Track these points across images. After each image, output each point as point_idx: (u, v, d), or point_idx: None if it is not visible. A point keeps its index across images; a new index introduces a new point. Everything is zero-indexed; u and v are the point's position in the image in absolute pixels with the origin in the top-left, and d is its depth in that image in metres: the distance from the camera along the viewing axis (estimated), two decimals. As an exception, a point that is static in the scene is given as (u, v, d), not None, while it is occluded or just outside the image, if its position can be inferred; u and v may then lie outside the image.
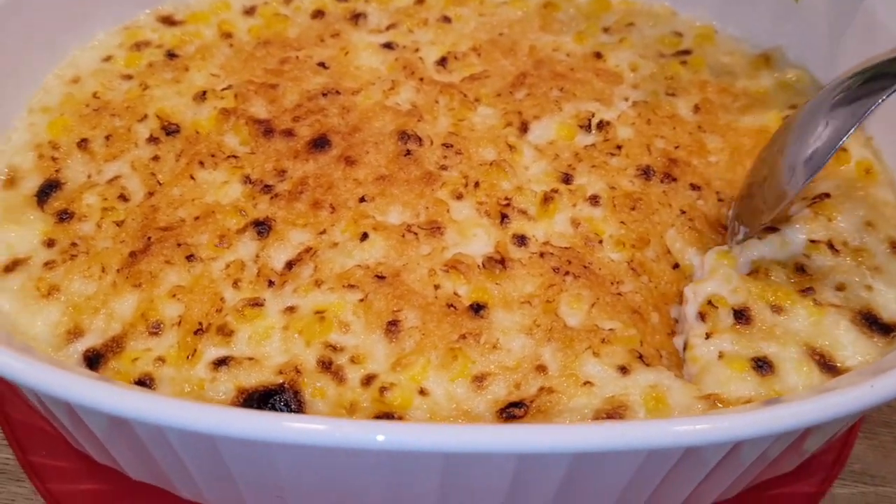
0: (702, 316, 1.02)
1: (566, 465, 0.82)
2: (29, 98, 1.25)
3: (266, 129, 1.19)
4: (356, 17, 1.39)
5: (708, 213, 1.14)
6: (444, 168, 1.16)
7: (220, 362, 0.96)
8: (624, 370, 0.95)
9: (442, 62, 1.32)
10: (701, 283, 1.05)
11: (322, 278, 1.03)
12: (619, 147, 1.19)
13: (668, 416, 0.92)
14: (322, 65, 1.30)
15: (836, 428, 0.97)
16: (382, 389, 0.93)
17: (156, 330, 0.99)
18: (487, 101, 1.26)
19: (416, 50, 1.34)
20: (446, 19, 1.40)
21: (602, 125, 1.22)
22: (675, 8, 1.43)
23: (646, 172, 1.16)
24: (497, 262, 1.04)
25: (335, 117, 1.20)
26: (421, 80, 1.28)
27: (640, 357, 0.97)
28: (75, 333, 1.00)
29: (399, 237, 1.07)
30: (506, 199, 1.12)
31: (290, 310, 1.00)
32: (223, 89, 1.24)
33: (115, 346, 0.98)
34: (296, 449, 0.81)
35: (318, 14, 1.41)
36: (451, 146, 1.18)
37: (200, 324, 0.99)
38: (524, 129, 1.22)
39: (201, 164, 1.15)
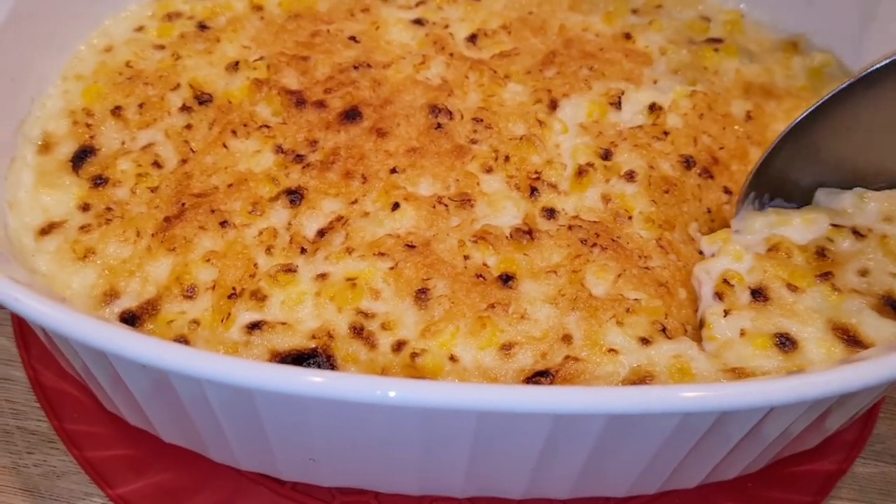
0: (719, 295, 1.02)
1: (597, 430, 0.83)
2: (63, 66, 1.26)
3: (298, 100, 1.20)
4: (386, -7, 1.40)
5: (728, 220, 1.14)
6: (474, 142, 1.17)
7: (254, 326, 0.97)
8: (646, 342, 0.96)
9: (472, 39, 1.33)
10: (712, 260, 1.06)
11: (353, 246, 1.04)
12: (665, 133, 1.19)
13: (697, 385, 0.93)
14: (353, 39, 1.31)
15: (861, 403, 0.98)
16: (413, 355, 0.94)
17: (190, 293, 1.01)
18: (517, 78, 1.27)
19: (446, 26, 1.34)
20: (475, -3, 1.41)
21: (654, 108, 1.22)
22: (703, -10, 1.44)
23: (687, 162, 1.16)
24: (525, 234, 1.05)
25: (366, 90, 1.21)
26: (451, 55, 1.29)
27: (664, 330, 0.98)
28: (111, 295, 1.01)
29: (430, 208, 1.08)
30: (535, 172, 1.13)
31: (322, 276, 1.02)
32: (255, 60, 1.25)
33: (150, 308, 1.00)
34: (329, 407, 0.83)
35: (348, -12, 1.42)
36: (482, 121, 1.19)
37: (234, 288, 1.01)
38: (553, 106, 1.23)
39: (234, 133, 1.16)
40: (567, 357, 0.95)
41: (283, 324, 0.98)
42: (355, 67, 1.25)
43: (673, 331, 0.98)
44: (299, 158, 1.14)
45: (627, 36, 1.35)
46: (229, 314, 0.98)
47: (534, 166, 1.14)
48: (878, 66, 1.03)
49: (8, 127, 1.15)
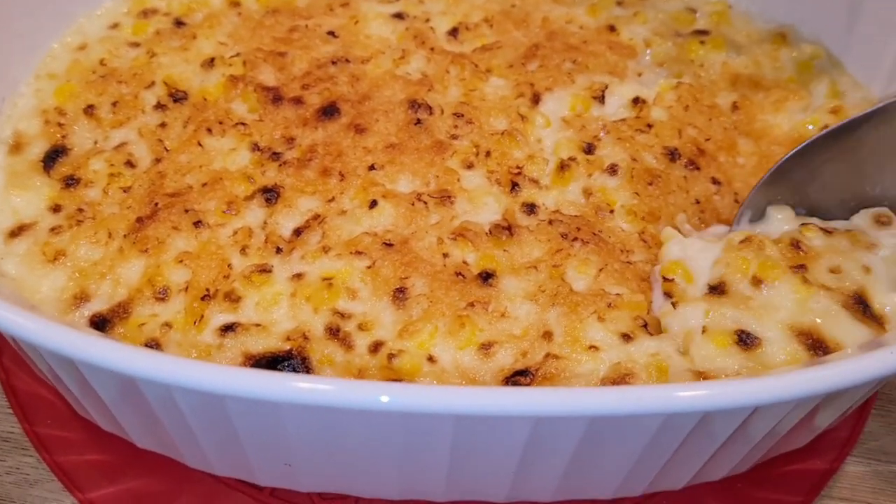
0: (666, 292, 0.99)
1: (579, 432, 0.81)
2: (36, 64, 1.24)
3: (275, 97, 1.17)
4: (365, -13, 1.38)
5: (720, 210, 1.12)
6: (454, 137, 1.14)
7: (227, 328, 0.95)
8: (627, 338, 0.94)
9: (453, 33, 1.30)
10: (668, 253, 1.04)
11: (330, 245, 1.01)
12: (649, 126, 1.17)
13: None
14: (331, 34, 1.29)
15: (850, 401, 0.96)
16: (391, 356, 0.92)
17: (162, 295, 0.98)
18: (499, 71, 1.24)
19: (427, 20, 1.32)
20: (457, -10, 1.38)
21: (638, 102, 1.20)
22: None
23: (672, 154, 1.14)
24: (504, 229, 1.03)
25: (344, 85, 1.19)
26: (432, 49, 1.26)
27: (645, 325, 0.95)
28: (81, 298, 0.99)
29: (409, 205, 1.05)
30: (517, 167, 1.11)
31: (298, 276, 0.99)
32: (231, 57, 1.23)
33: (121, 311, 0.98)
34: (304, 412, 0.80)
35: (327, -17, 1.39)
36: (462, 116, 1.16)
37: (207, 290, 0.98)
38: (536, 100, 1.20)
39: (209, 130, 1.14)
40: (547, 355, 0.93)
41: (258, 325, 0.95)
42: (333, 63, 1.22)
43: (655, 326, 0.96)
44: (276, 156, 1.12)
45: (612, 28, 1.32)
46: (202, 316, 0.96)
47: (515, 161, 1.12)
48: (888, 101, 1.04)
49: (-22, 127, 1.13)
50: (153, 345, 0.94)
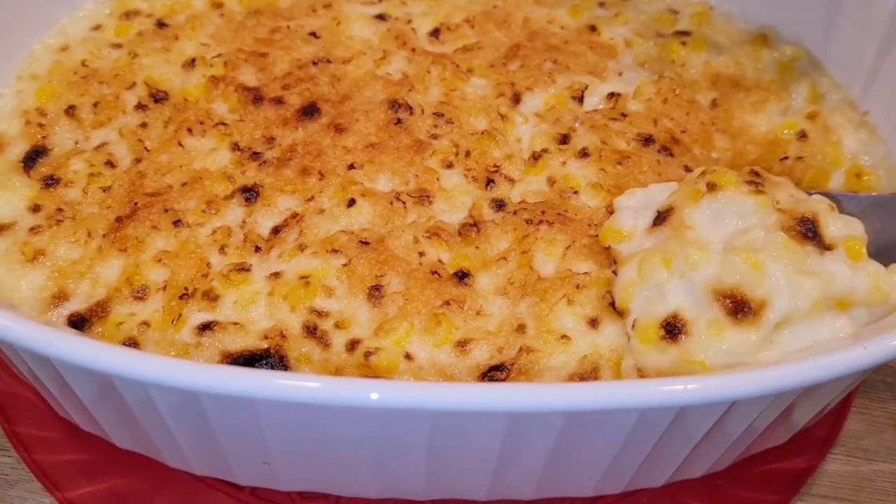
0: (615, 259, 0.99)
1: (555, 428, 0.81)
2: (17, 65, 1.23)
3: (255, 97, 1.17)
4: (349, -11, 1.38)
5: None
6: (434, 137, 1.14)
7: (205, 327, 0.95)
8: (594, 322, 0.94)
9: (435, 33, 1.31)
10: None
11: (306, 243, 1.01)
12: (624, 115, 1.17)
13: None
14: (313, 34, 1.29)
15: (827, 397, 0.96)
16: (367, 354, 0.92)
17: (141, 294, 0.98)
18: (480, 72, 1.25)
19: (409, 21, 1.32)
20: (440, -9, 1.39)
21: (613, 96, 1.20)
22: (670, -17, 1.42)
23: (646, 140, 1.14)
24: (472, 227, 1.04)
25: (325, 86, 1.19)
26: (413, 50, 1.27)
27: (612, 304, 0.96)
28: (60, 297, 0.98)
29: (387, 204, 1.05)
30: (495, 166, 1.11)
31: (276, 275, 0.99)
32: (213, 57, 1.23)
33: (99, 310, 0.97)
34: (282, 410, 0.80)
35: (310, -15, 1.39)
36: (443, 115, 1.17)
37: (186, 289, 0.98)
38: (517, 100, 1.21)
39: (189, 131, 1.14)
40: (521, 349, 0.93)
41: (236, 324, 0.95)
42: (314, 63, 1.23)
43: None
44: (256, 156, 1.12)
45: (592, 28, 1.33)
46: (180, 315, 0.96)
47: (494, 161, 1.12)
48: None
49: (-41, 128, 1.13)
50: (131, 343, 0.94)
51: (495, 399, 0.75)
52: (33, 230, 1.04)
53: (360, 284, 0.97)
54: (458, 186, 1.09)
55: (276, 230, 1.04)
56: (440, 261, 1.01)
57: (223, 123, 1.15)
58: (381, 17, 1.33)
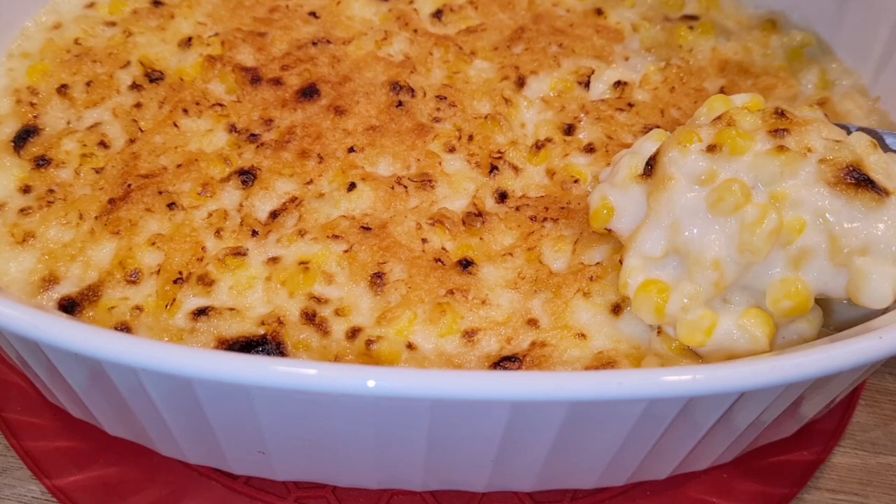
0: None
1: (558, 418, 0.79)
2: (8, 43, 1.20)
3: (253, 78, 1.14)
4: (349, -32, 1.35)
5: None
6: (437, 120, 1.12)
7: (200, 312, 0.92)
8: (617, 309, 0.92)
9: (437, 15, 1.28)
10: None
11: (306, 228, 0.99)
12: (630, 105, 1.15)
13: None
14: (313, 14, 1.26)
15: (837, 389, 0.94)
16: (369, 343, 0.90)
17: (134, 278, 0.95)
18: (483, 54, 1.22)
19: (411, 2, 1.29)
20: (442, -28, 1.36)
21: (619, 85, 1.18)
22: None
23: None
24: (476, 216, 1.01)
25: (325, 66, 1.16)
26: (415, 31, 1.24)
27: None
28: (50, 281, 0.96)
29: (388, 189, 1.03)
30: (499, 152, 1.08)
31: (274, 260, 0.97)
32: (210, 37, 1.20)
33: (91, 294, 0.95)
34: (276, 398, 0.78)
35: (310, -36, 1.36)
36: (445, 98, 1.14)
37: (180, 273, 0.95)
38: (521, 83, 1.18)
39: (185, 111, 1.11)
40: (534, 342, 0.91)
41: (232, 309, 0.93)
42: (314, 43, 1.20)
43: None
44: (253, 138, 1.09)
45: (599, 12, 1.30)
46: (174, 300, 0.93)
47: (498, 146, 1.09)
48: None
49: (-53, 106, 1.10)
50: (123, 328, 0.91)
51: (498, 387, 0.72)
52: (23, 211, 1.02)
53: (361, 271, 0.95)
54: (461, 172, 1.06)
55: (274, 214, 1.01)
56: (444, 248, 0.98)
57: (220, 104, 1.12)
58: (382, -2, 1.30)
